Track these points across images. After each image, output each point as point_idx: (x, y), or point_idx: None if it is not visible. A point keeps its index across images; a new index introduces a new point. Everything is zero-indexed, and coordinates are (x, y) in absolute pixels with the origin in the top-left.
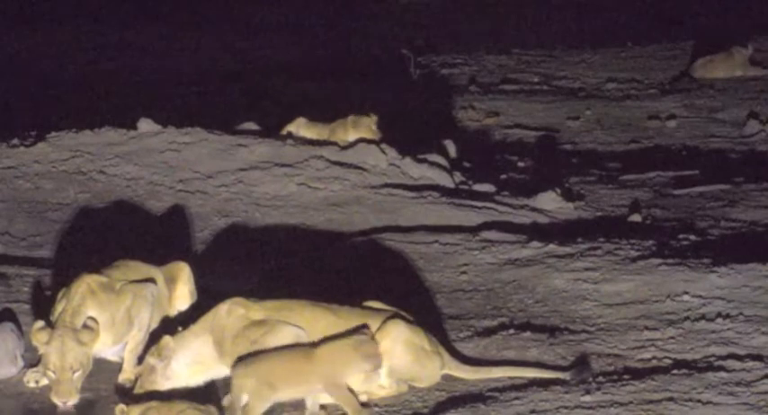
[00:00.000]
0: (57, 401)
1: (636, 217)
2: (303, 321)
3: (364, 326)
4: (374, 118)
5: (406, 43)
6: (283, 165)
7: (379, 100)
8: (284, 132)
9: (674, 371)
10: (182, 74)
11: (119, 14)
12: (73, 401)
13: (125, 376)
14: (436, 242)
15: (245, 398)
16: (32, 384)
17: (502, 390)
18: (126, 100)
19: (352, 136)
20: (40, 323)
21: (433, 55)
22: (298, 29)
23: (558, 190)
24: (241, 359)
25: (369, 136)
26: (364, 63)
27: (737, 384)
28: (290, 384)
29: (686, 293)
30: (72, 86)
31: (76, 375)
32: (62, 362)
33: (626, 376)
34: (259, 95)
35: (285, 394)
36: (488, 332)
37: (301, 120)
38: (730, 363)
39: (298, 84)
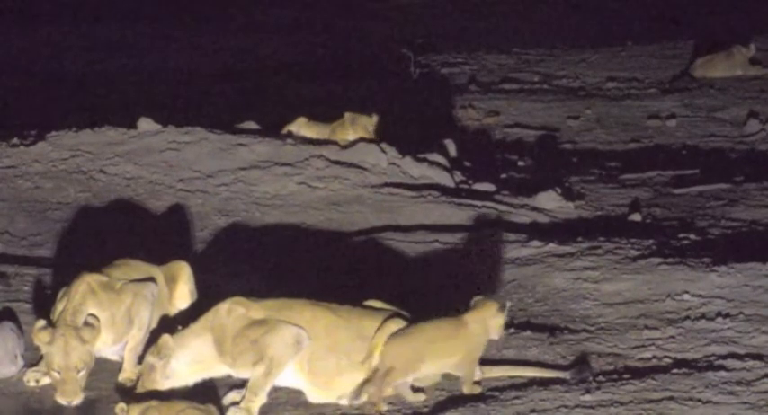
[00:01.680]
0: (62, 401)
1: (636, 217)
2: (303, 320)
3: (365, 325)
4: (374, 118)
5: (406, 43)
6: (283, 164)
7: (379, 100)
8: (285, 131)
9: (675, 370)
10: (181, 73)
11: (118, 14)
12: (78, 400)
13: (125, 375)
14: (436, 241)
15: (392, 369)
16: (32, 384)
17: (502, 389)
18: (126, 99)
19: (351, 135)
20: (42, 323)
21: (432, 54)
22: (298, 29)
23: (558, 190)
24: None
25: (365, 135)
26: (364, 63)
27: (738, 383)
28: (443, 355)
29: (686, 292)
30: (71, 86)
31: (81, 374)
32: (66, 361)
33: (626, 375)
34: (259, 95)
35: (435, 367)
36: None
37: (302, 120)
38: (730, 362)
39: (298, 84)
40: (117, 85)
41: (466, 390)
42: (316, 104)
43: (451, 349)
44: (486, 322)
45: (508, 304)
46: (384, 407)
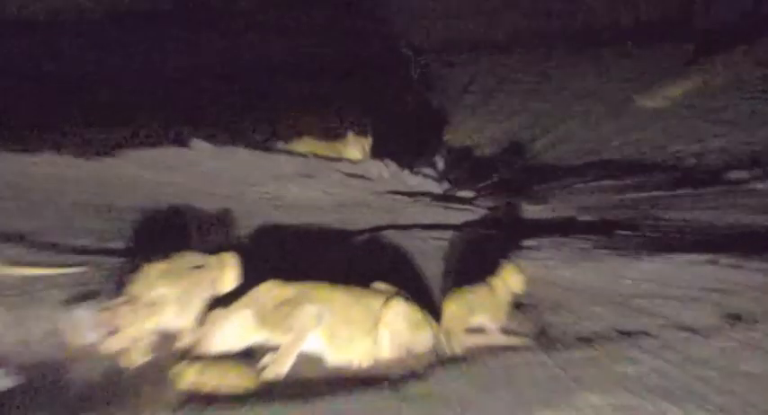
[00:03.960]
0: (132, 361)
1: (587, 217)
2: (323, 299)
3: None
4: (369, 139)
5: (407, 43)
6: (306, 176)
7: (380, 101)
8: (296, 149)
9: (615, 338)
10: (181, 72)
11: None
12: (141, 362)
13: (185, 342)
14: (429, 237)
15: (447, 321)
16: (111, 349)
17: (480, 353)
18: (127, 98)
19: (350, 151)
20: (117, 301)
21: (432, 55)
22: (298, 29)
23: (527, 195)
24: (452, 292)
25: (362, 153)
26: (365, 63)
27: (662, 347)
28: (483, 310)
29: (626, 277)
30: (71, 84)
31: (144, 342)
32: (132, 331)
33: (578, 342)
34: (259, 96)
35: (476, 320)
36: None
37: (307, 139)
38: (657, 331)
39: (297, 84)
40: (117, 84)
41: (496, 331)
42: (319, 104)
43: (488, 304)
44: (508, 282)
45: (527, 268)
46: (459, 349)
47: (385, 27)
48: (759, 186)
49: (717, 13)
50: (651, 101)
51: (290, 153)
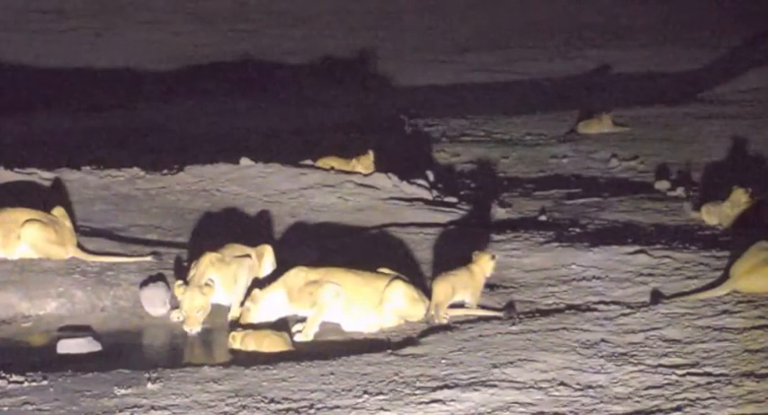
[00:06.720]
0: (187, 329)
1: (543, 218)
2: (340, 280)
3: (389, 279)
4: (372, 155)
5: (403, 111)
6: (328, 186)
7: (388, 145)
8: (321, 164)
9: (566, 311)
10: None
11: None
12: (197, 329)
13: (232, 314)
14: (421, 232)
15: (441, 299)
16: (175, 319)
17: (461, 323)
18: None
19: (362, 166)
20: (180, 282)
21: (419, 118)
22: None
23: (496, 201)
24: (440, 274)
25: (371, 166)
26: (379, 122)
27: (604, 319)
28: (464, 289)
29: (573, 263)
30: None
31: (200, 313)
32: (191, 305)
33: (537, 314)
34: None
35: (459, 297)
36: None
37: (332, 157)
38: (600, 306)
39: (340, 136)
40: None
41: (473, 305)
42: (346, 149)
43: (468, 284)
44: (483, 266)
45: (496, 256)
46: (445, 319)
47: (391, 102)
48: (680, 194)
49: None
50: (591, 130)
51: (315, 167)
